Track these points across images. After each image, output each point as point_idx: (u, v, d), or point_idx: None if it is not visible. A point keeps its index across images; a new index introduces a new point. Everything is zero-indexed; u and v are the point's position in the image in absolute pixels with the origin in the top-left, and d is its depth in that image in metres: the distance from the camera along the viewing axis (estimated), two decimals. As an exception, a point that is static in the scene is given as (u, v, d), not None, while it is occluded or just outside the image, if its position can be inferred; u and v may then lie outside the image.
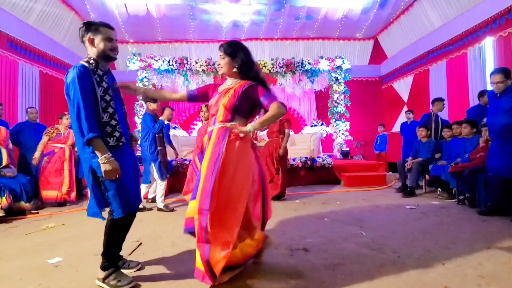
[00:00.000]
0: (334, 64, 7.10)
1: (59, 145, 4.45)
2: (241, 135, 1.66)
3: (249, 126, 1.66)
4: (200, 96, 1.97)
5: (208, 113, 4.09)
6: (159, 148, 3.74)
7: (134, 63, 6.68)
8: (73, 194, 4.43)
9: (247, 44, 9.38)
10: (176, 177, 5.16)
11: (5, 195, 3.42)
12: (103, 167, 1.60)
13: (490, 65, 5.54)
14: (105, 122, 1.68)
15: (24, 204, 3.70)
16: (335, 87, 7.25)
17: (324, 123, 8.45)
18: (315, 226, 2.86)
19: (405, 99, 8.35)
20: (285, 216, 3.30)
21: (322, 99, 8.84)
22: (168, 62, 6.68)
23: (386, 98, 9.54)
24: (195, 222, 1.59)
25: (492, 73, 3.17)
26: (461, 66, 6.14)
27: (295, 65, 6.92)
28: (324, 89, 7.72)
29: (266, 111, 1.74)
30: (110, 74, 1.83)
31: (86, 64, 1.68)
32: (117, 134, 1.71)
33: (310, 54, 9.15)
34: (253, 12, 7.72)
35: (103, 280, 1.71)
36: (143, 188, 3.88)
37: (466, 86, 5.94)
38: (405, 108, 8.08)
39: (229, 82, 1.86)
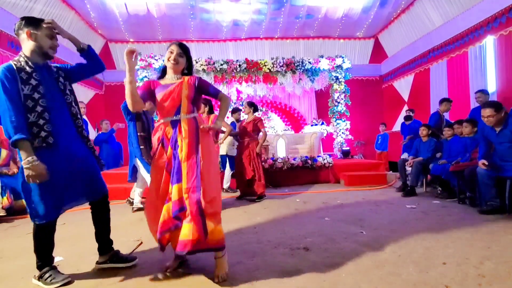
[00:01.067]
0: (334, 63, 7.09)
1: None
2: (210, 130, 1.91)
3: (218, 123, 1.94)
4: (148, 94, 1.90)
5: (203, 106, 4.10)
6: (141, 147, 3.62)
7: (134, 62, 6.67)
8: None
9: (247, 43, 9.43)
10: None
11: (6, 194, 3.43)
12: (26, 171, 1.58)
13: (491, 64, 5.54)
14: (32, 123, 1.65)
15: (25, 202, 3.70)
16: (335, 86, 7.24)
17: (324, 122, 8.44)
18: (315, 226, 2.86)
19: (406, 98, 8.35)
20: (286, 216, 3.30)
21: (322, 98, 8.84)
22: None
23: (386, 97, 9.53)
24: (186, 201, 1.70)
25: (482, 107, 3.20)
26: (462, 65, 6.13)
27: (296, 64, 6.91)
28: (324, 88, 7.72)
29: (212, 98, 2.07)
30: (46, 68, 1.79)
31: (13, 63, 1.67)
32: (43, 134, 1.67)
33: (310, 53, 9.15)
34: (253, 11, 7.71)
35: (38, 278, 1.77)
36: (136, 186, 3.84)
37: (467, 85, 5.93)
38: (405, 107, 8.07)
39: (173, 76, 1.91)
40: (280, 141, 7.36)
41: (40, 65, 1.76)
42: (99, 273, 1.93)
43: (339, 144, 7.26)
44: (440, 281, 1.67)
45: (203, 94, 1.97)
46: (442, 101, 5.04)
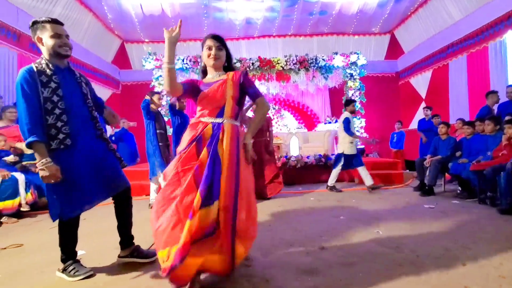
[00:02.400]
0: (349, 60, 6.97)
1: None
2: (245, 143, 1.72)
3: (248, 139, 1.72)
4: (192, 89, 1.74)
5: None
6: (160, 144, 3.69)
7: (149, 62, 6.80)
8: None
9: (260, 41, 9.40)
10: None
11: (30, 190, 3.58)
12: (40, 172, 1.65)
13: (512, 59, 5.30)
14: (50, 125, 1.70)
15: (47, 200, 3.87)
16: (350, 83, 7.13)
17: (338, 120, 8.33)
18: (330, 224, 2.84)
19: (423, 95, 8.12)
20: (300, 214, 3.30)
21: (336, 95, 8.72)
22: (183, 60, 6.76)
23: (403, 94, 9.30)
24: (220, 218, 1.52)
25: None
26: (482, 60, 5.90)
27: (309, 62, 6.85)
28: (338, 85, 7.61)
29: (251, 100, 1.79)
30: (67, 71, 1.82)
31: (34, 66, 1.70)
32: (61, 136, 1.72)
33: (324, 50, 9.02)
34: (266, 9, 7.69)
35: (62, 271, 1.85)
36: (153, 182, 3.92)
37: (487, 81, 5.71)
38: (423, 105, 7.85)
39: (215, 74, 1.78)
40: (293, 139, 7.32)
41: (61, 68, 1.81)
42: (120, 267, 2.00)
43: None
44: (460, 282, 1.63)
45: (244, 91, 1.75)
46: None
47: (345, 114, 4.73)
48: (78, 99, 1.83)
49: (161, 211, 1.55)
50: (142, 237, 2.53)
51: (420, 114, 8.17)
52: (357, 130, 7.17)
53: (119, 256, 2.05)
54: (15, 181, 3.43)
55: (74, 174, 1.76)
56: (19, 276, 1.92)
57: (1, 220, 3.30)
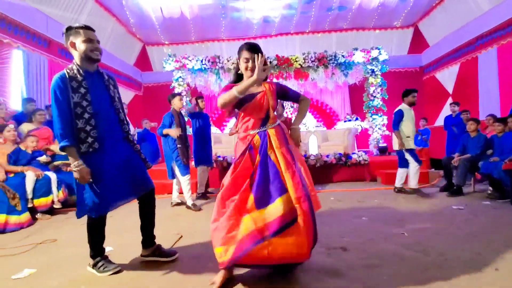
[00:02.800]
0: (369, 56, 6.77)
1: None
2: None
3: (296, 131, 1.91)
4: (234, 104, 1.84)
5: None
6: (178, 146, 3.71)
7: (169, 64, 6.96)
8: None
9: (277, 39, 9.35)
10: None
11: (62, 188, 3.78)
12: (74, 174, 1.77)
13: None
14: (80, 129, 1.77)
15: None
16: (371, 79, 6.93)
17: (358, 118, 8.13)
18: (352, 225, 2.78)
19: (450, 90, 7.73)
20: (320, 214, 3.22)
21: (356, 92, 8.50)
22: (201, 61, 6.86)
23: (427, 89, 8.90)
24: (299, 211, 1.62)
25: None
26: (515, 52, 5.53)
27: (328, 59, 6.73)
28: (358, 82, 7.42)
29: (294, 101, 2.01)
30: (96, 75, 1.89)
31: (66, 72, 1.78)
32: (89, 140, 1.79)
33: (343, 47, 8.81)
34: (283, 7, 7.63)
35: (93, 266, 1.94)
36: (174, 184, 4.02)
37: (522, 74, 5.34)
38: (449, 100, 7.48)
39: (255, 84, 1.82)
40: (312, 138, 7.23)
41: (91, 72, 1.89)
42: (145, 264, 2.07)
43: (375, 140, 6.95)
44: (494, 289, 1.54)
45: (284, 99, 1.98)
46: None
47: (400, 106, 4.25)
48: (105, 102, 1.90)
49: (221, 212, 1.71)
50: (164, 235, 2.61)
51: (446, 110, 7.80)
52: (379, 128, 6.97)
53: (141, 255, 2.12)
54: (48, 180, 3.64)
55: (103, 176, 1.84)
56: (55, 269, 2.04)
57: (36, 217, 3.51)
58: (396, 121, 4.17)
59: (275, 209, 1.61)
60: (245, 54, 1.78)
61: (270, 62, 6.71)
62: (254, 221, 1.60)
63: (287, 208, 1.61)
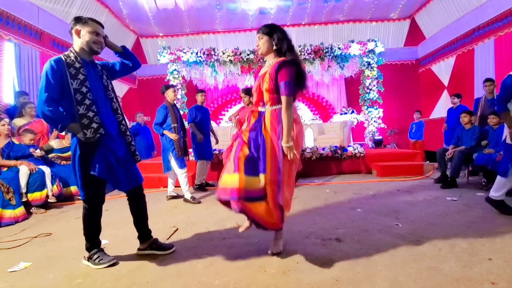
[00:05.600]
0: (366, 48, 6.73)
1: None
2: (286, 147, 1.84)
3: (285, 145, 1.81)
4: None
5: (246, 98, 4.15)
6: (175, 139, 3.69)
7: (164, 56, 6.86)
8: None
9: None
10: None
11: (56, 183, 3.75)
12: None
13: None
14: (82, 115, 1.77)
15: (74, 188, 4.05)
16: (367, 72, 6.90)
17: (354, 110, 8.14)
18: (347, 217, 2.80)
19: (446, 82, 7.75)
20: (316, 206, 3.27)
21: (352, 85, 8.50)
22: (196, 54, 6.77)
23: (423, 82, 8.92)
24: (268, 190, 1.77)
25: None
26: (511, 44, 5.53)
27: (324, 51, 6.67)
28: (355, 75, 7.39)
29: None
30: (91, 65, 1.91)
31: (63, 57, 1.78)
32: (94, 125, 1.80)
33: (340, 39, 8.77)
34: (279, -2, 7.53)
35: (88, 259, 1.94)
36: (169, 176, 4.00)
37: (518, 66, 5.35)
38: (445, 93, 7.51)
39: (267, 63, 1.95)
40: (308, 131, 7.23)
41: (87, 61, 1.89)
42: (141, 256, 2.07)
43: (371, 133, 6.97)
44: (486, 278, 1.57)
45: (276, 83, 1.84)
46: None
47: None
48: (100, 91, 1.91)
49: (226, 155, 1.95)
50: (160, 228, 2.61)
51: (442, 103, 7.83)
52: (374, 121, 6.98)
53: (138, 249, 2.12)
54: (42, 174, 3.60)
55: (108, 161, 1.86)
56: (50, 262, 2.04)
57: (31, 211, 3.49)
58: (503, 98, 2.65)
59: (254, 181, 1.76)
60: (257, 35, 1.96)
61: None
62: (239, 181, 1.73)
63: (260, 186, 1.76)
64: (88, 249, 1.96)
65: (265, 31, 1.90)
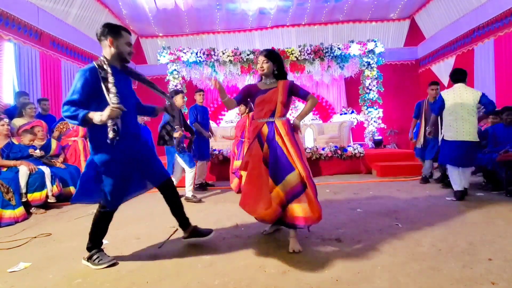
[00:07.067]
0: (366, 48, 6.74)
1: (72, 138, 4.65)
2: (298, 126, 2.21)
3: (296, 121, 2.19)
4: (244, 98, 2.32)
5: (243, 107, 4.17)
6: (174, 138, 3.61)
7: (164, 56, 6.87)
8: None
9: (273, 31, 9.26)
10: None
11: (56, 183, 3.75)
12: (106, 114, 1.68)
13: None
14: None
15: (73, 189, 4.05)
16: (367, 72, 6.91)
17: (354, 111, 8.14)
18: (347, 217, 2.80)
19: (445, 83, 7.74)
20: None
21: (352, 85, 8.50)
22: (196, 54, 6.78)
23: (423, 82, 8.90)
24: (308, 185, 2.00)
25: None
26: (511, 44, 5.53)
27: (324, 51, 6.68)
28: (354, 75, 7.40)
29: (303, 100, 2.29)
30: (121, 72, 1.97)
31: (96, 64, 1.83)
32: (116, 128, 1.76)
33: (339, 39, 8.78)
34: (279, -2, 7.54)
35: (88, 259, 1.94)
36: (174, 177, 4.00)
37: (517, 66, 5.36)
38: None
39: (267, 81, 2.24)
40: (308, 131, 7.24)
41: (117, 69, 1.95)
42: (142, 256, 2.07)
43: (371, 133, 6.97)
44: (486, 278, 1.57)
45: (294, 96, 2.23)
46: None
47: None
48: (127, 96, 1.98)
49: (248, 182, 2.17)
50: (160, 228, 2.61)
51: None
52: (374, 121, 6.98)
53: (183, 237, 2.21)
54: (41, 174, 3.60)
55: (126, 166, 1.92)
56: (50, 263, 2.03)
57: (30, 211, 3.49)
58: None
59: (288, 182, 2.00)
60: (259, 58, 2.21)
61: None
62: (278, 193, 2.00)
63: (297, 181, 1.99)
64: (89, 249, 1.97)
65: (271, 57, 2.19)
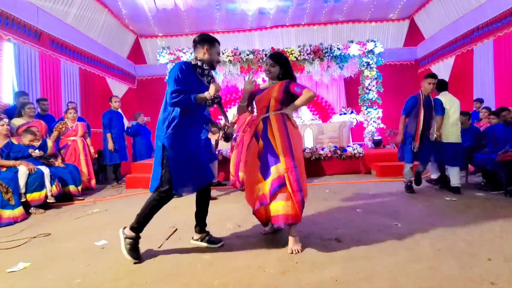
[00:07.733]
0: (365, 48, 6.73)
1: (71, 138, 4.64)
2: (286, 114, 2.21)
3: (288, 110, 2.19)
4: (250, 100, 2.35)
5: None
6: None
7: (163, 56, 6.85)
8: (93, 182, 4.73)
9: (273, 32, 9.21)
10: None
11: (55, 183, 3.74)
12: (212, 89, 1.97)
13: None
14: (184, 108, 2.00)
15: (72, 188, 4.04)
16: (366, 72, 6.91)
17: (354, 111, 8.14)
18: (346, 217, 2.81)
19: (445, 83, 7.76)
20: (315, 206, 3.27)
21: (352, 86, 8.50)
22: (196, 54, 6.76)
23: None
24: (287, 179, 2.00)
25: None
26: (510, 44, 5.54)
27: (323, 51, 6.68)
28: (354, 75, 7.40)
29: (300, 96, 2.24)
30: (209, 74, 2.21)
31: (191, 61, 2.11)
32: (188, 120, 2.04)
33: (339, 39, 8.78)
34: (279, -2, 7.54)
35: (126, 237, 1.97)
36: None
37: (517, 67, 5.37)
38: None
39: (269, 82, 2.30)
40: (307, 131, 7.24)
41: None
42: (142, 256, 2.05)
43: (370, 133, 6.97)
44: (485, 278, 1.57)
45: (292, 92, 2.20)
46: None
47: None
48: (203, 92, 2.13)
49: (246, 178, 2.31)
50: (160, 228, 2.61)
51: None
52: (373, 121, 6.98)
53: (192, 239, 2.26)
54: (41, 174, 3.59)
55: (198, 154, 2.13)
56: (49, 263, 2.03)
57: (30, 211, 3.48)
58: None
59: (271, 176, 2.04)
60: (266, 60, 2.29)
61: (266, 55, 6.65)
62: (262, 188, 2.07)
63: (276, 175, 2.01)
64: (133, 229, 1.98)
65: (278, 61, 2.25)
